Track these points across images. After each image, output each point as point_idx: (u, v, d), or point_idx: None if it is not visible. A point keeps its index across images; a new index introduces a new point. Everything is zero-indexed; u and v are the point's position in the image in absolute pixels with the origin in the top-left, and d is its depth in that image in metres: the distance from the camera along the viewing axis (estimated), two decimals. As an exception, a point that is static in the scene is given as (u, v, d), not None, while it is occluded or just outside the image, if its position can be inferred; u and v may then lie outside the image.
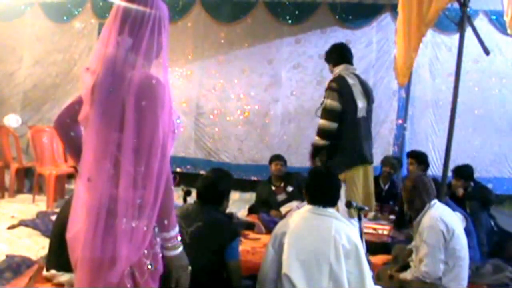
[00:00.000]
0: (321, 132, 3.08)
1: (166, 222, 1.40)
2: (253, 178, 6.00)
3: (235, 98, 6.26)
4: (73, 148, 1.55)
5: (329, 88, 3.11)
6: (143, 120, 1.33)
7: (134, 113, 1.32)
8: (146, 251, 1.37)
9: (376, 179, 4.80)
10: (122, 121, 1.33)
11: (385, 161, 4.72)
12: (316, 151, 3.12)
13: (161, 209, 1.37)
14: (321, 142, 3.08)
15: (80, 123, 1.46)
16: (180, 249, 1.46)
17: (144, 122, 1.33)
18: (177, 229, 1.45)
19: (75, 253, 1.40)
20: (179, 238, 1.46)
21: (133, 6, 1.39)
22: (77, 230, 1.39)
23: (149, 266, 1.39)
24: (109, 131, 1.34)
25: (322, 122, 3.07)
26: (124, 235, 1.32)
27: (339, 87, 3.09)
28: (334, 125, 3.05)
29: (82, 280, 1.38)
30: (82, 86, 1.44)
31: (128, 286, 1.35)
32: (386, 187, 4.69)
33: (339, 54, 3.28)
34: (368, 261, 2.33)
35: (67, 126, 1.54)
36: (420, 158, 4.30)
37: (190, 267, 1.50)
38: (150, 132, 1.33)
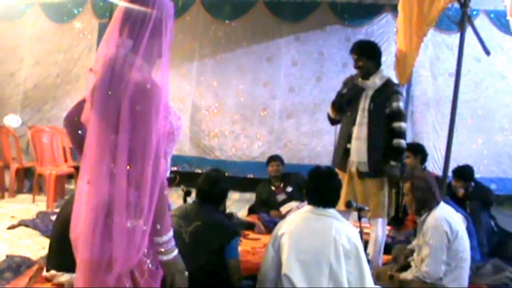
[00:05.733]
0: (404, 134, 3.17)
1: (158, 226, 1.39)
2: (250, 176, 5.96)
3: (233, 95, 6.24)
4: (81, 146, 1.54)
5: (396, 92, 3.18)
6: (136, 124, 1.32)
7: (129, 117, 1.31)
8: (146, 250, 1.37)
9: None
10: (118, 125, 1.32)
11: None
12: (402, 153, 3.21)
13: (155, 213, 1.36)
14: (405, 143, 3.19)
15: (84, 123, 1.46)
16: (174, 253, 1.44)
17: (137, 126, 1.32)
18: (170, 233, 1.43)
19: (78, 252, 1.40)
20: (173, 243, 1.44)
21: (134, 7, 1.38)
22: (80, 230, 1.39)
23: (150, 265, 1.39)
24: (107, 133, 1.34)
25: (402, 124, 3.15)
26: (123, 237, 1.31)
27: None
28: None
29: (80, 280, 1.38)
30: (86, 87, 1.44)
31: (127, 286, 1.34)
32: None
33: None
34: (369, 261, 2.32)
35: (76, 124, 1.55)
36: (415, 149, 4.25)
37: (186, 272, 1.48)
38: (143, 136, 1.32)
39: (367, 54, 3.21)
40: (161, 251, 1.42)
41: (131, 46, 1.37)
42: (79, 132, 1.54)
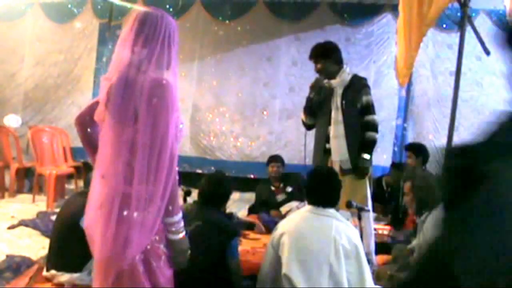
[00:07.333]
0: (376, 127, 3.23)
1: (170, 208, 1.54)
2: (250, 176, 5.96)
3: (233, 95, 6.24)
4: (89, 143, 1.75)
5: (365, 86, 3.26)
6: (156, 117, 1.47)
7: (147, 112, 1.47)
8: (157, 237, 1.52)
9: (379, 180, 4.77)
10: (134, 123, 1.48)
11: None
12: (374, 146, 3.25)
13: (168, 197, 1.51)
14: (377, 135, 3.24)
15: (97, 121, 1.62)
16: (182, 234, 1.60)
17: (156, 119, 1.47)
18: (180, 215, 1.58)
19: (93, 241, 1.54)
20: (182, 224, 1.59)
21: (146, 22, 1.55)
22: (92, 220, 1.54)
23: (164, 250, 1.54)
24: (122, 132, 1.50)
25: (374, 117, 3.22)
26: (135, 225, 1.45)
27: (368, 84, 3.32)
28: None
29: (97, 266, 1.52)
30: (100, 92, 1.62)
31: (140, 270, 1.47)
32: (390, 189, 4.66)
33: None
34: (369, 261, 2.32)
35: (86, 123, 1.73)
36: (417, 150, 4.24)
37: (189, 252, 1.64)
38: (162, 127, 1.46)
39: (323, 55, 3.27)
40: (171, 230, 1.58)
41: (144, 55, 1.54)
42: (88, 130, 1.73)
